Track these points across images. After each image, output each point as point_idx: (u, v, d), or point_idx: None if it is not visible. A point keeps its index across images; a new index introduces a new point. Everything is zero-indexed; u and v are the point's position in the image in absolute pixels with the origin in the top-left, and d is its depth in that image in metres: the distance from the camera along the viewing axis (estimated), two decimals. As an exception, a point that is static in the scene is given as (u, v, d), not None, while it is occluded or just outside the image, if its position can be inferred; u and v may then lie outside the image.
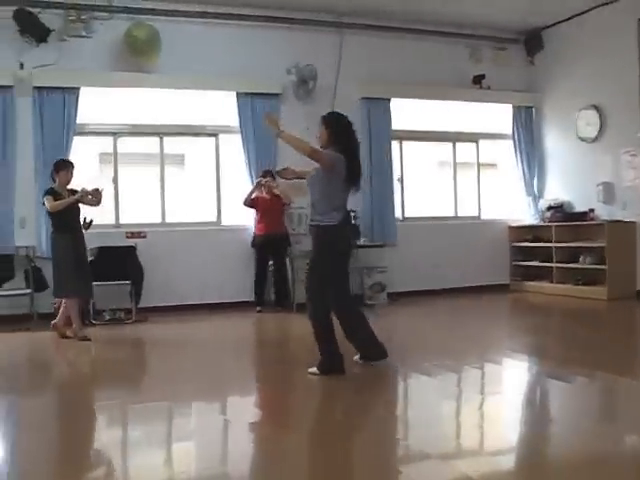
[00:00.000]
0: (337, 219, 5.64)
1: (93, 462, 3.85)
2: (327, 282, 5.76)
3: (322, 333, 5.73)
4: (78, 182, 8.00)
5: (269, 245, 9.78)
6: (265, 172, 9.79)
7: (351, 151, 5.73)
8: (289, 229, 9.96)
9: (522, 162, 11.86)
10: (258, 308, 9.70)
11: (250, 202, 9.83)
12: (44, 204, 7.82)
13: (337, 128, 5.73)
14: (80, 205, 7.92)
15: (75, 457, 4.04)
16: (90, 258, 8.96)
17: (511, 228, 11.84)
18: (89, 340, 7.79)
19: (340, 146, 5.65)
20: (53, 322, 8.03)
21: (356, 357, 6.05)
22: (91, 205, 7.98)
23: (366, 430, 4.49)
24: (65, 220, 7.77)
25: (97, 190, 7.91)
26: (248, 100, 10.11)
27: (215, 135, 10.40)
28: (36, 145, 9.18)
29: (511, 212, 11.96)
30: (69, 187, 7.89)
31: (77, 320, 7.91)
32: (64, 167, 7.90)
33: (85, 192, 7.82)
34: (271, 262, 9.93)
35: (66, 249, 7.75)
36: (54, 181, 7.89)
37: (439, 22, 10.88)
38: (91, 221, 8.12)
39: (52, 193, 7.72)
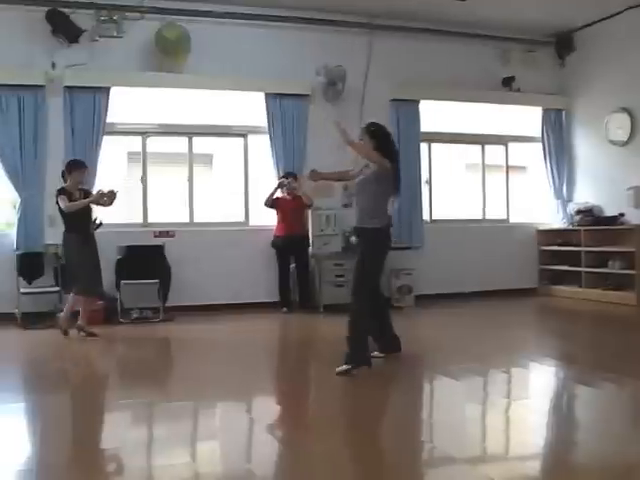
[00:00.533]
0: (384, 222, 6.07)
1: (118, 460, 3.87)
2: (373, 280, 6.11)
3: (361, 328, 5.92)
4: (106, 182, 8.06)
5: (289, 246, 9.79)
6: (287, 173, 9.81)
7: (395, 161, 6.09)
8: (317, 230, 9.92)
9: (551, 165, 11.77)
10: (284, 309, 9.71)
11: (271, 203, 9.85)
12: (57, 203, 7.85)
13: (382, 138, 6.07)
14: (92, 205, 8.00)
15: (100, 455, 4.07)
16: (118, 257, 9.07)
17: (539, 232, 11.75)
18: (67, 335, 7.89)
19: (387, 157, 5.97)
20: (77, 323, 8.04)
21: (375, 352, 6.25)
22: (103, 206, 8.04)
23: (391, 432, 4.47)
24: (78, 220, 7.84)
25: (112, 192, 7.97)
26: (277, 101, 10.12)
27: (244, 135, 10.43)
28: (66, 144, 9.25)
29: (540, 216, 11.87)
30: (80, 187, 7.98)
31: (67, 314, 7.98)
32: (78, 167, 7.95)
33: (101, 194, 7.90)
34: (293, 264, 9.94)
35: (78, 248, 7.83)
36: (65, 180, 7.94)
37: (469, 24, 10.82)
38: (101, 223, 8.21)
39: (65, 193, 7.78)
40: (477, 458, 3.89)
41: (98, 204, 8.00)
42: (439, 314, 9.70)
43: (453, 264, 10.81)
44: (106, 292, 9.04)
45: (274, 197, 9.87)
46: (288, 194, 9.82)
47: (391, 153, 6.08)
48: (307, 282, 9.95)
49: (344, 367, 5.73)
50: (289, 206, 9.81)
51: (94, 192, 8.13)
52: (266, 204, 9.85)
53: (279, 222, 9.89)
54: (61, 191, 7.80)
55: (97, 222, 8.16)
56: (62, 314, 8.07)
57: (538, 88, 11.55)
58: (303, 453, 4.03)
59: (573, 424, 4.63)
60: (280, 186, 9.82)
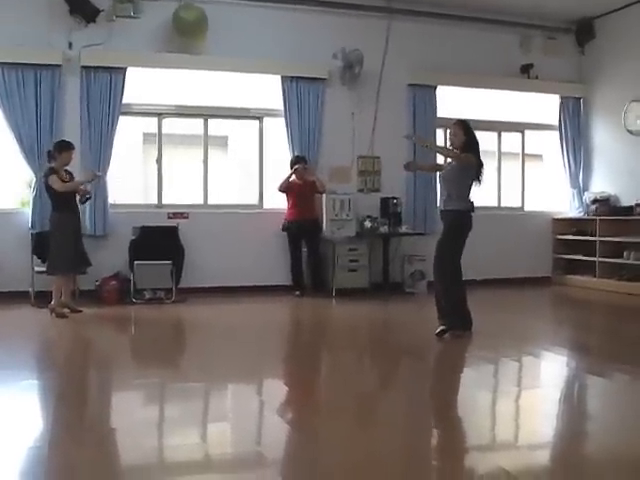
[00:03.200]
0: (467, 206, 6.76)
1: (129, 439, 3.88)
2: (455, 258, 6.76)
3: (455, 298, 6.74)
4: (122, 161, 8.11)
5: (301, 230, 9.78)
6: (297, 158, 9.79)
7: (479, 154, 6.75)
8: (331, 215, 9.89)
9: (568, 154, 11.68)
10: (297, 292, 9.72)
11: (285, 188, 9.84)
12: (47, 183, 7.94)
13: (471, 135, 6.74)
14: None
15: (112, 433, 4.09)
16: (132, 237, 9.10)
17: (555, 220, 11.69)
18: (66, 317, 7.92)
19: (473, 150, 6.67)
20: (60, 300, 8.11)
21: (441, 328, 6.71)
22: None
23: (401, 418, 4.46)
24: (66, 200, 7.97)
25: (97, 175, 8.42)
26: (293, 84, 10.09)
27: (259, 118, 10.40)
28: (82, 124, 9.26)
29: (555, 204, 11.81)
30: (65, 168, 8.09)
31: (57, 296, 8.03)
32: (68, 149, 8.06)
33: (95, 175, 8.25)
34: (305, 249, 9.94)
35: (66, 228, 7.95)
36: (53, 160, 8.02)
37: (489, 9, 10.73)
38: (90, 197, 8.47)
39: (55, 173, 7.90)
40: (487, 446, 3.88)
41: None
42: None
43: (467, 251, 10.65)
44: (120, 272, 9.12)
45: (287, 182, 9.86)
46: (299, 178, 9.81)
47: (477, 149, 6.72)
48: (319, 266, 9.95)
49: (441, 327, 6.61)
50: (300, 190, 9.79)
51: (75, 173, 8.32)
52: (280, 189, 9.83)
53: (290, 206, 9.88)
54: (51, 171, 7.92)
55: (87, 196, 8.35)
56: (52, 302, 8.07)
57: (557, 76, 11.44)
58: (313, 436, 4.03)
59: (584, 414, 4.61)
60: (294, 172, 9.80)
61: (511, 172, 11.80)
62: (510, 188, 11.80)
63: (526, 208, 11.84)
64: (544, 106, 11.73)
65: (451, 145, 6.90)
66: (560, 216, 11.70)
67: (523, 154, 11.90)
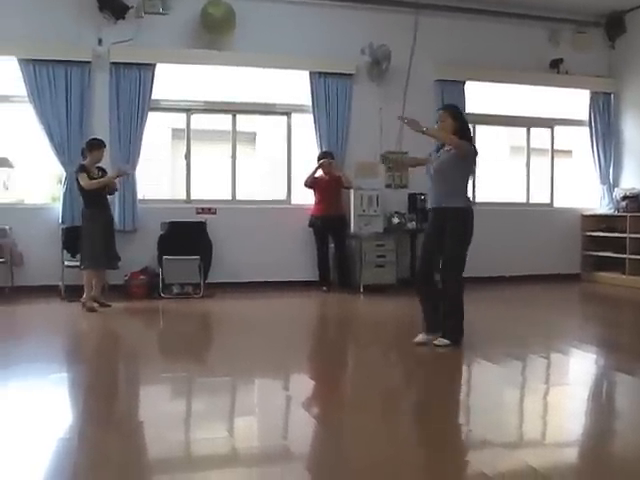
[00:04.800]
0: (470, 203, 6.23)
1: (157, 432, 3.91)
2: (464, 260, 6.20)
3: (459, 306, 6.12)
4: (151, 157, 8.17)
5: (327, 226, 9.77)
6: (325, 153, 9.79)
7: (472, 142, 6.25)
8: (358, 211, 9.88)
9: (598, 149, 11.58)
10: (324, 288, 9.73)
11: (311, 183, 9.84)
12: (77, 180, 8.12)
13: (462, 121, 6.16)
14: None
15: (140, 426, 4.13)
16: (160, 232, 9.16)
17: (584, 217, 11.59)
18: (95, 311, 8.01)
19: (466, 138, 6.07)
20: (91, 294, 8.22)
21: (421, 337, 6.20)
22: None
23: (428, 414, 4.46)
24: (97, 196, 8.10)
25: (124, 173, 8.52)
26: (321, 80, 10.09)
27: (287, 114, 10.42)
28: (111, 120, 9.35)
29: (585, 201, 11.71)
30: (97, 165, 8.23)
31: (88, 290, 8.14)
32: (98, 147, 8.19)
33: (121, 172, 8.35)
34: (332, 244, 9.93)
35: (96, 224, 8.08)
36: (85, 158, 8.18)
37: (518, 4, 10.65)
38: (116, 189, 8.64)
39: (85, 170, 8.03)
40: (514, 443, 3.86)
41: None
42: (479, 298, 9.59)
43: (495, 248, 10.72)
44: (149, 267, 9.19)
45: (313, 177, 9.86)
46: (325, 174, 9.81)
47: (470, 137, 6.21)
48: (345, 262, 9.95)
49: (445, 342, 6.03)
50: (326, 186, 9.79)
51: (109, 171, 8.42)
52: (306, 184, 9.84)
53: (316, 202, 9.88)
54: (81, 169, 8.06)
55: (115, 189, 8.55)
56: (84, 295, 8.17)
57: (587, 70, 11.34)
58: (339, 431, 4.04)
59: (613, 412, 4.56)
60: (320, 167, 9.79)
61: (540, 168, 11.72)
62: (539, 184, 11.72)
63: (555, 204, 11.76)
64: (574, 101, 11.64)
65: None
66: (589, 212, 11.60)
67: (552, 150, 11.80)
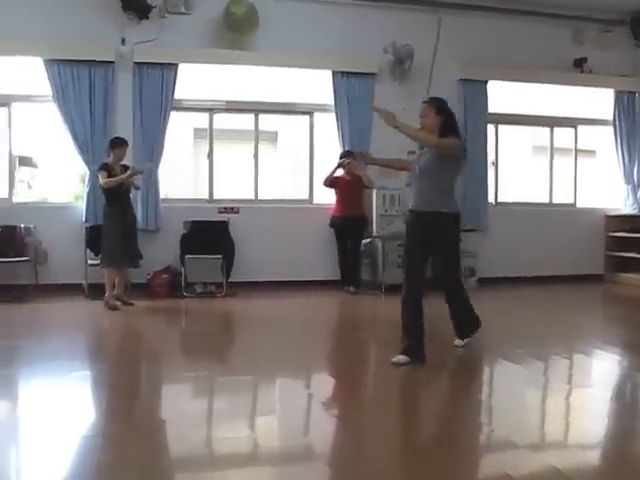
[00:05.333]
0: (456, 206, 5.78)
1: (178, 431, 3.93)
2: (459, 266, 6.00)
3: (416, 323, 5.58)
4: (173, 157, 8.20)
5: (346, 226, 9.72)
6: (346, 152, 9.75)
7: (460, 137, 5.73)
8: (380, 210, 9.86)
9: (622, 149, 11.47)
10: (346, 288, 9.71)
11: (330, 182, 9.77)
12: (98, 178, 8.23)
13: (448, 114, 5.63)
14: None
15: (162, 425, 4.15)
16: (183, 231, 9.20)
17: (608, 217, 11.49)
18: (117, 310, 8.05)
19: (452, 133, 5.57)
20: (113, 293, 8.29)
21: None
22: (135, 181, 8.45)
23: (450, 414, 4.44)
24: (116, 195, 8.15)
25: (139, 171, 8.44)
26: (344, 79, 10.08)
27: (309, 113, 10.42)
28: (134, 119, 9.40)
29: (608, 201, 11.61)
30: (122, 163, 8.27)
31: (109, 288, 8.20)
32: (119, 145, 8.25)
33: (136, 170, 8.28)
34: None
35: (116, 222, 8.13)
36: (108, 156, 8.26)
37: (542, 2, 10.57)
38: (138, 187, 8.70)
39: (106, 169, 8.11)
40: (537, 444, 3.84)
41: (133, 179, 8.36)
42: (502, 297, 9.60)
43: (517, 247, 10.67)
44: (171, 266, 9.23)
45: (333, 176, 9.80)
46: (347, 173, 9.76)
47: (457, 131, 5.66)
48: (356, 264, 9.81)
49: (406, 358, 5.44)
50: (347, 185, 9.74)
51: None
52: (325, 184, 9.78)
53: (337, 202, 9.82)
54: (102, 167, 8.15)
55: (136, 188, 8.63)
56: (106, 294, 8.22)
57: (611, 69, 11.23)
58: (360, 431, 4.04)
59: (636, 414, 4.53)
60: (340, 166, 9.72)
61: (563, 168, 11.64)
62: (562, 184, 11.65)
63: (578, 205, 11.67)
64: (598, 100, 11.54)
65: (423, 128, 5.66)
66: (613, 213, 11.50)
67: (576, 149, 11.71)
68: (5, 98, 9.36)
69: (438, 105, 5.63)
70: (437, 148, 5.53)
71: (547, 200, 11.55)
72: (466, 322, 6.02)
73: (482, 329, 6.14)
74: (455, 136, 5.59)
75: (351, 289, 9.66)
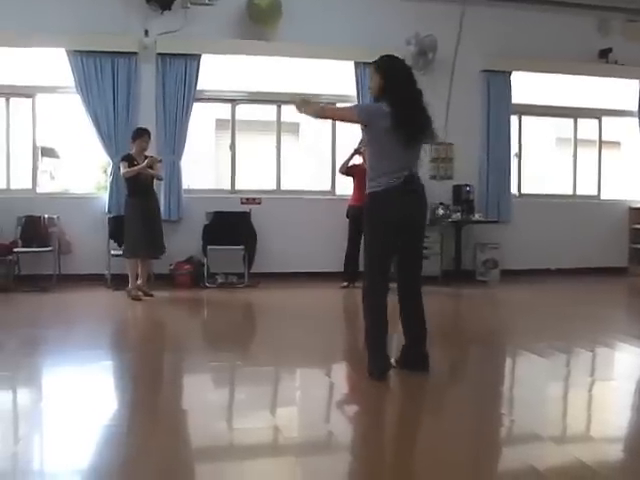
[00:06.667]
0: (384, 184, 4.71)
1: (201, 421, 3.94)
2: (375, 265, 4.81)
3: (370, 328, 4.89)
4: (195, 147, 8.22)
5: (360, 216, 9.48)
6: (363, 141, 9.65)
7: (409, 101, 4.70)
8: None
9: (647, 141, 11.37)
10: (344, 283, 9.30)
11: (346, 170, 9.54)
12: (119, 169, 8.28)
13: (391, 73, 4.76)
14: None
15: (184, 415, 4.17)
16: (205, 222, 9.22)
17: (632, 209, 11.38)
18: (140, 300, 8.08)
19: (394, 96, 4.67)
20: (136, 283, 8.32)
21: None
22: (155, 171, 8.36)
23: (472, 406, 4.42)
24: (137, 185, 8.16)
25: (155, 160, 8.34)
26: (366, 70, 10.00)
27: (332, 104, 10.36)
28: (157, 110, 9.43)
29: (633, 193, 11.51)
30: (145, 153, 8.27)
31: (132, 279, 8.22)
32: (139, 135, 8.27)
33: (153, 160, 8.23)
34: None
35: (136, 212, 8.15)
36: (132, 147, 8.30)
37: (566, -8, 10.50)
38: (160, 178, 8.61)
39: (128, 159, 8.13)
40: (562, 437, 3.82)
41: (152, 170, 8.29)
42: (525, 290, 9.55)
43: (541, 239, 10.60)
44: (193, 256, 9.26)
45: (350, 164, 9.52)
46: (365, 162, 9.63)
47: (404, 94, 4.69)
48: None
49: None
50: (364, 174, 9.59)
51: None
52: (340, 171, 9.57)
53: (354, 191, 9.46)
54: (124, 157, 8.19)
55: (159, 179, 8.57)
56: (129, 285, 8.24)
57: (637, 60, 11.08)
58: (384, 422, 4.03)
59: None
60: (357, 152, 9.54)
61: (587, 160, 11.55)
62: (586, 176, 11.55)
63: (602, 197, 11.58)
64: (622, 91, 11.42)
65: (371, 94, 4.97)
66: (638, 205, 11.39)
67: (600, 141, 11.62)
68: (29, 89, 9.44)
69: (378, 64, 4.84)
70: (340, 120, 5.32)
71: (571, 192, 11.46)
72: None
73: (506, 321, 6.11)
74: (394, 99, 4.66)
75: (344, 284, 9.30)
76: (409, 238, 4.80)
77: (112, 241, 8.99)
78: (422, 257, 5.04)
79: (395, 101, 4.63)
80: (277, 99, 10.20)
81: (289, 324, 6.95)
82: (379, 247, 4.76)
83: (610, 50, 10.93)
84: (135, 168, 8.07)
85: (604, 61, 10.99)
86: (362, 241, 8.96)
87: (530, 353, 5.70)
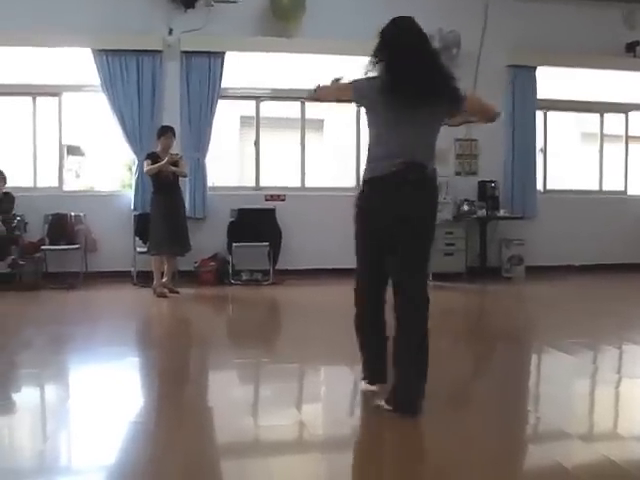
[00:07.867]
0: (370, 173, 3.98)
1: (226, 417, 3.95)
2: (360, 271, 4.37)
3: (358, 337, 4.39)
4: (220, 145, 8.24)
5: None
6: None
7: (406, 52, 3.97)
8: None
9: (675, 135, 11.25)
10: None
11: None
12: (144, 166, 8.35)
13: (383, 35, 4.11)
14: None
15: (209, 411, 4.19)
16: (230, 219, 9.25)
17: (659, 205, 11.28)
18: (166, 297, 8.11)
19: (384, 61, 4.01)
20: (162, 281, 8.34)
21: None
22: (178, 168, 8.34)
23: (497, 404, 4.39)
24: (161, 183, 8.20)
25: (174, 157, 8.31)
26: (390, 66, 10.00)
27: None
28: (182, 108, 9.46)
29: (660, 188, 11.40)
30: (170, 151, 8.30)
31: (157, 276, 8.27)
32: (163, 133, 8.33)
33: (172, 158, 8.24)
34: None
35: (159, 210, 8.20)
36: (157, 145, 8.35)
37: (592, -14, 10.39)
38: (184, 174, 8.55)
39: (152, 157, 8.18)
40: (589, 435, 3.79)
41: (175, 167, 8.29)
42: (550, 286, 9.49)
43: (566, 236, 10.51)
44: (218, 254, 9.29)
45: None
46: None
47: (392, 58, 3.98)
48: None
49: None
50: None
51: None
52: None
53: None
54: (148, 155, 8.26)
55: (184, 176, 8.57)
56: (154, 282, 8.28)
57: (664, 54, 10.99)
58: (408, 420, 4.01)
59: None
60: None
61: (614, 155, 11.44)
62: (612, 171, 11.45)
63: (629, 192, 11.47)
64: (650, 86, 11.30)
65: None
66: (665, 200, 11.28)
67: (627, 136, 11.50)
68: (55, 88, 9.52)
69: (380, 34, 4.15)
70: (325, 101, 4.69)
71: (597, 187, 11.36)
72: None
73: (532, 317, 6.07)
74: (381, 68, 4.03)
75: None
76: (403, 239, 3.91)
77: (138, 238, 9.05)
78: (422, 262, 4.05)
79: (389, 56, 3.94)
80: (301, 96, 10.17)
81: (314, 321, 6.96)
82: (361, 248, 4.26)
83: (637, 43, 10.81)
84: (155, 166, 8.11)
85: (631, 55, 10.86)
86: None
87: (556, 350, 5.66)
